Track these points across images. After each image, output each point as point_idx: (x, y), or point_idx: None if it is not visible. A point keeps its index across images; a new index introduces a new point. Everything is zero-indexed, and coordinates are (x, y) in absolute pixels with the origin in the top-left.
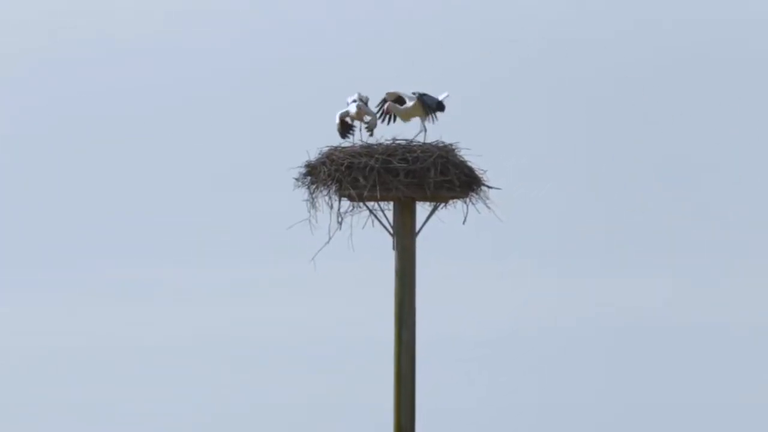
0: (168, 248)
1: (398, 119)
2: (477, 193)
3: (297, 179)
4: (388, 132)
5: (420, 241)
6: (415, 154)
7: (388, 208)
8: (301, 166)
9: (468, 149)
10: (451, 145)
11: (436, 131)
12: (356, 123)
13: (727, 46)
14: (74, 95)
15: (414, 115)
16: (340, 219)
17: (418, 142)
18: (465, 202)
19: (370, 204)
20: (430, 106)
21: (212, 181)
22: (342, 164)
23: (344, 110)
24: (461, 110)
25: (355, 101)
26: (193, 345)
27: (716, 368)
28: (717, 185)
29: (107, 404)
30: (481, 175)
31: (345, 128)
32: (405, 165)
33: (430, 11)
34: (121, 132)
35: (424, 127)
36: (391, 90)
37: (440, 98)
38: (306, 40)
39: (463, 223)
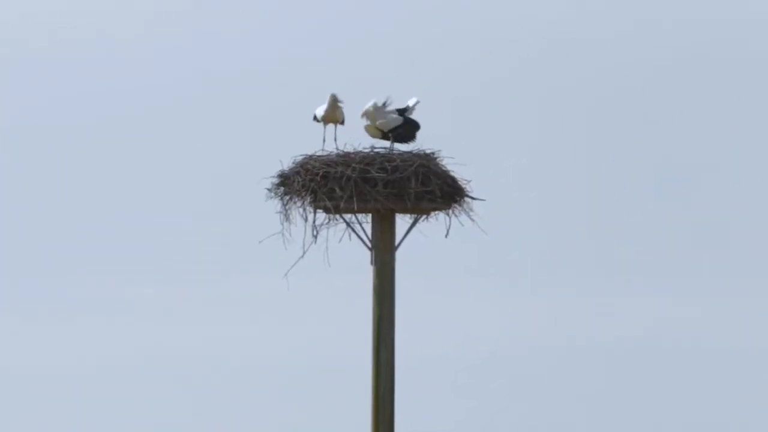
0: (132, 264)
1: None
2: (460, 205)
3: (269, 190)
4: (366, 140)
5: (400, 256)
6: (394, 164)
7: (366, 220)
8: (273, 176)
9: (451, 158)
10: (432, 153)
11: (416, 140)
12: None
13: (727, 47)
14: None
15: (383, 130)
16: (315, 232)
17: (398, 150)
18: (447, 214)
19: (347, 216)
20: (400, 133)
21: (179, 193)
22: (317, 174)
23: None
24: (443, 117)
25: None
26: (156, 366)
27: (717, 392)
28: (719, 194)
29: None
30: (464, 186)
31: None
32: (384, 175)
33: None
34: (75, 143)
35: (392, 142)
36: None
37: (410, 104)
38: (289, 41)
39: (446, 236)
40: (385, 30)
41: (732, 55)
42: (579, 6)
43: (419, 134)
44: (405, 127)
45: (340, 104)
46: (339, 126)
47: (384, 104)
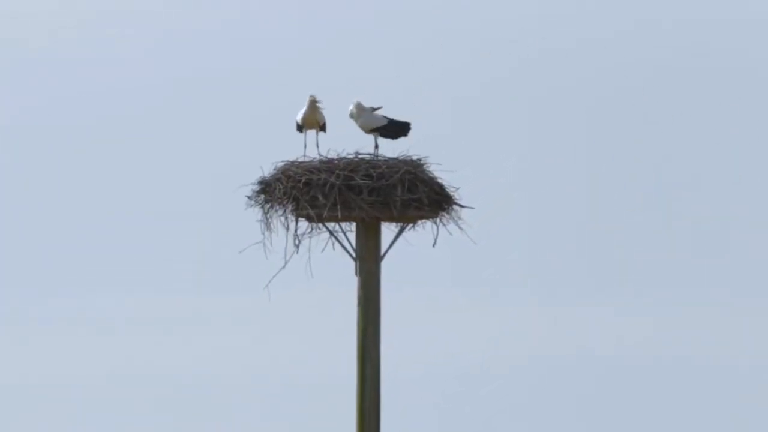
0: (103, 275)
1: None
2: (448, 213)
3: (249, 198)
4: (350, 145)
5: (385, 266)
6: (379, 170)
7: (351, 229)
8: (253, 183)
9: (438, 164)
10: (419, 159)
11: (403, 145)
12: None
13: (727, 47)
14: None
15: (370, 128)
16: (297, 242)
17: (384, 157)
18: (435, 223)
19: (331, 225)
20: (386, 129)
21: (155, 201)
22: (299, 181)
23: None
24: (431, 122)
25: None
26: (130, 383)
27: (718, 411)
28: (720, 199)
29: None
30: (452, 193)
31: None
32: (369, 182)
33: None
34: (44, 151)
35: (377, 143)
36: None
37: (374, 109)
38: (274, 42)
39: (433, 245)
40: (367, 32)
41: (732, 56)
42: (577, 6)
43: (406, 141)
44: (389, 128)
45: (319, 106)
46: (322, 131)
47: (373, 108)
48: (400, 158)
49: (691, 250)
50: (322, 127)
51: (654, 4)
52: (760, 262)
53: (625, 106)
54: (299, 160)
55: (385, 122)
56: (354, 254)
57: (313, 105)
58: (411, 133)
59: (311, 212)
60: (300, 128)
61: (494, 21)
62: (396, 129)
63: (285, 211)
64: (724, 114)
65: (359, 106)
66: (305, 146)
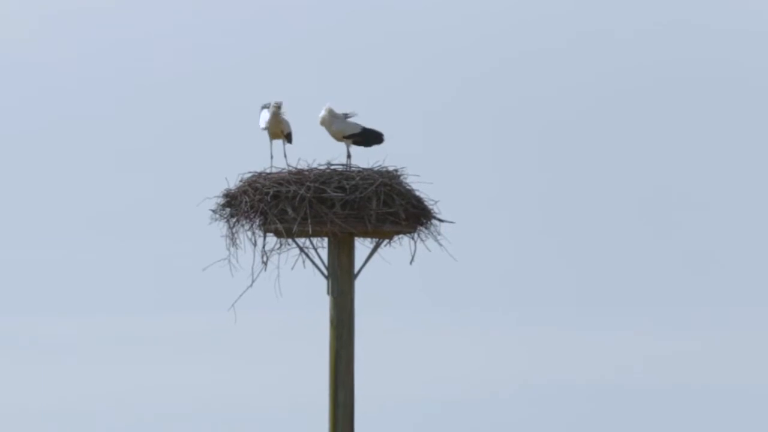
0: (58, 295)
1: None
2: (427, 228)
3: (214, 211)
4: (321, 155)
5: (360, 285)
6: (353, 182)
7: (322, 245)
8: (218, 196)
9: (416, 176)
10: (396, 170)
11: (378, 155)
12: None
13: (721, 57)
14: None
15: (343, 135)
16: (265, 258)
17: (358, 167)
18: (413, 238)
19: (301, 241)
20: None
21: (110, 215)
22: (267, 193)
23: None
24: (408, 130)
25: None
26: (84, 408)
27: None
28: (711, 219)
29: None
30: (431, 207)
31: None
32: (341, 194)
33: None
34: None
35: (349, 152)
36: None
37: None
38: (239, 43)
39: (411, 263)
40: (338, 34)
41: (725, 65)
42: (554, 14)
43: (382, 150)
44: (363, 136)
45: (283, 114)
46: (288, 142)
47: (346, 115)
48: (375, 169)
49: (684, 267)
50: (288, 137)
51: (639, 12)
52: (753, 291)
53: (616, 114)
54: (267, 171)
55: (359, 129)
56: (326, 272)
57: (277, 115)
58: (387, 141)
59: (280, 227)
60: (264, 129)
61: (469, 24)
62: (370, 137)
63: (252, 226)
64: (720, 125)
65: (331, 112)
66: (272, 157)
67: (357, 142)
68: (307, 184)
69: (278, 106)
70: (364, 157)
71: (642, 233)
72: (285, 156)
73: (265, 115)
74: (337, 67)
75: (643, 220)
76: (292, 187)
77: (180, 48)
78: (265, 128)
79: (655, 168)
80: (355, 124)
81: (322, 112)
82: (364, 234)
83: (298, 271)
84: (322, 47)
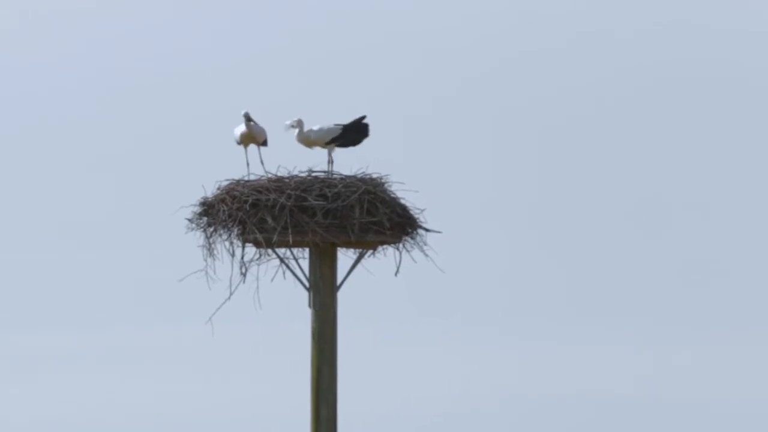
0: (24, 307)
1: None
2: (412, 238)
3: (190, 220)
4: (302, 161)
5: (342, 297)
6: (335, 190)
7: (303, 256)
8: (195, 205)
9: (401, 183)
10: (380, 178)
11: (361, 161)
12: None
13: (726, 53)
14: None
15: (325, 141)
16: (243, 270)
17: (340, 175)
18: (398, 249)
19: (281, 251)
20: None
21: (81, 223)
22: (245, 202)
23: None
24: (393, 136)
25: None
26: (57, 426)
27: None
28: (709, 228)
29: None
30: (417, 216)
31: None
32: (323, 203)
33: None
34: None
35: (331, 158)
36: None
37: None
38: (216, 46)
39: (396, 274)
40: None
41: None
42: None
43: (365, 156)
44: (346, 136)
45: (251, 123)
46: (263, 146)
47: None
48: (358, 176)
49: (681, 279)
50: (264, 143)
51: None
52: (752, 306)
53: (612, 118)
54: (245, 178)
55: (339, 130)
56: (307, 284)
57: (247, 125)
58: (371, 147)
59: (259, 237)
60: (238, 143)
61: (457, 25)
62: (354, 132)
63: (230, 236)
64: (721, 127)
65: (301, 124)
66: (248, 164)
67: (343, 144)
68: (288, 191)
69: (248, 118)
70: (347, 164)
71: (639, 242)
72: (261, 162)
73: (240, 129)
74: (317, 70)
75: (641, 228)
76: (272, 195)
77: (155, 51)
78: (240, 138)
79: (653, 173)
80: (333, 127)
81: (293, 130)
82: (347, 244)
83: (278, 283)
84: (303, 50)
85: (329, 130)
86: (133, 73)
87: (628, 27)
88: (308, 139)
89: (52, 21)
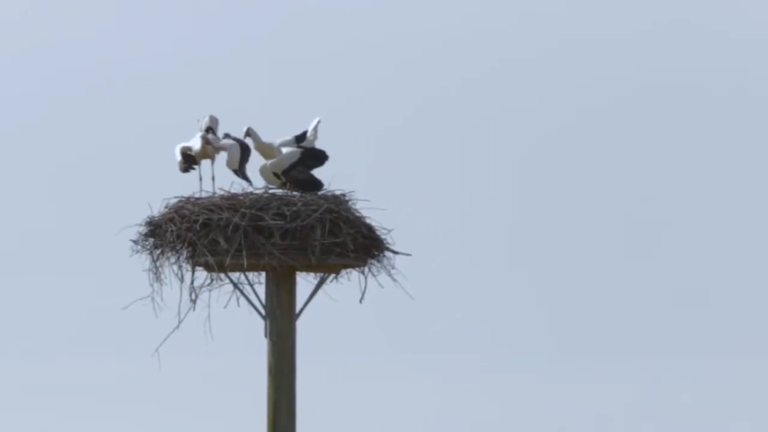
0: None
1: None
2: (379, 261)
3: (135, 242)
4: (258, 177)
5: (302, 326)
6: (294, 208)
7: (259, 280)
8: (140, 224)
9: (366, 201)
10: (343, 195)
11: (322, 176)
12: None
13: (727, 53)
14: None
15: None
16: (193, 296)
17: (299, 191)
18: (363, 273)
19: (235, 275)
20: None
21: (15, 246)
22: (196, 221)
23: (186, 144)
24: (357, 149)
25: (202, 133)
26: None
27: None
28: (701, 250)
29: None
30: (384, 237)
31: (188, 161)
32: (281, 222)
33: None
34: None
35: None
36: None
37: (311, 127)
38: (163, 51)
39: (360, 301)
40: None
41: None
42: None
43: (328, 171)
44: (306, 163)
45: (212, 142)
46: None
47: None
48: (319, 194)
49: (672, 306)
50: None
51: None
52: (744, 335)
53: (597, 131)
54: (196, 195)
55: (299, 155)
56: (263, 311)
57: (209, 148)
58: (333, 162)
59: (210, 260)
60: (186, 163)
61: (433, 31)
62: (313, 159)
63: (178, 259)
64: (722, 138)
65: (254, 136)
66: (200, 179)
67: (300, 183)
68: (242, 210)
69: (207, 138)
70: None
71: (626, 266)
72: (213, 178)
73: (196, 144)
74: (276, 79)
75: (629, 252)
76: (225, 215)
77: (93, 60)
78: (195, 154)
79: (642, 190)
80: (293, 151)
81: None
82: (307, 268)
83: (231, 311)
84: (259, 59)
85: (290, 155)
86: (70, 84)
87: (628, 27)
88: (266, 154)
89: None
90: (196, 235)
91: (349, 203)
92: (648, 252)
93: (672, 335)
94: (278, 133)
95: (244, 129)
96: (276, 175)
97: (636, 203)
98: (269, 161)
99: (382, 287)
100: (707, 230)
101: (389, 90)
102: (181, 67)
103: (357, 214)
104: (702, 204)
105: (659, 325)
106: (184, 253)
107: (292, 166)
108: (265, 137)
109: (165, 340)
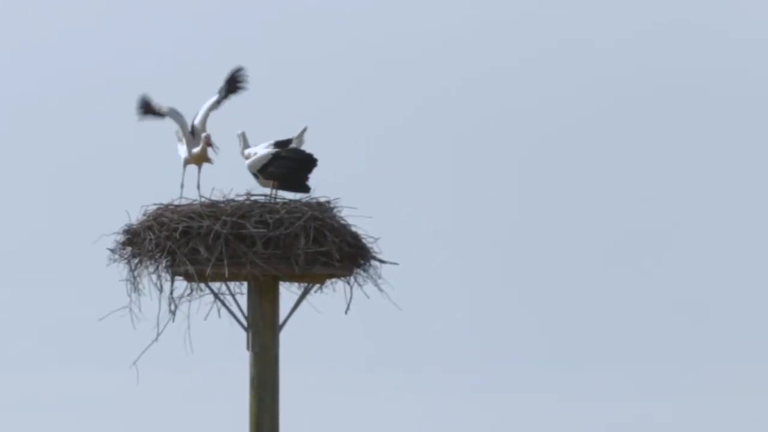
0: None
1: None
2: (365, 270)
3: (112, 250)
4: (240, 184)
5: (285, 338)
6: (277, 216)
7: (241, 291)
8: (118, 233)
9: (353, 208)
10: (328, 202)
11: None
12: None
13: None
14: None
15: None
16: (173, 307)
17: (283, 199)
18: (348, 283)
19: (216, 286)
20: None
21: None
22: (175, 229)
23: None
24: (343, 155)
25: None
26: None
27: None
28: (695, 262)
29: None
30: (370, 245)
31: (149, 112)
32: (264, 230)
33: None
34: None
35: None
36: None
37: (296, 134)
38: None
39: (346, 312)
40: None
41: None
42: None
43: (312, 178)
44: (278, 163)
45: (213, 149)
46: (205, 164)
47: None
48: (303, 201)
49: (668, 321)
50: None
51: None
52: (740, 348)
53: (592, 136)
54: (175, 202)
55: (269, 158)
56: (245, 323)
57: (206, 147)
58: (318, 169)
59: (191, 269)
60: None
61: (423, 32)
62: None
63: (157, 268)
64: (723, 145)
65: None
66: (182, 185)
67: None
68: (223, 218)
69: (209, 141)
70: None
71: (622, 277)
72: (198, 186)
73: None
74: (276, 79)
75: (625, 262)
76: (205, 222)
77: (68, 65)
78: (190, 157)
79: (642, 191)
80: (265, 153)
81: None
82: (291, 278)
83: (212, 322)
84: (259, 59)
85: (261, 157)
86: (51, 88)
87: (628, 27)
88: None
89: None
90: (176, 244)
91: (335, 211)
92: (648, 253)
93: (670, 345)
94: (276, 135)
95: (203, 136)
96: (255, 175)
97: (636, 203)
98: (247, 162)
99: (368, 297)
100: (707, 230)
101: (388, 91)
102: (176, 70)
103: (342, 221)
104: (702, 204)
105: (657, 336)
106: (163, 262)
107: (265, 167)
108: (260, 141)
109: (143, 352)
